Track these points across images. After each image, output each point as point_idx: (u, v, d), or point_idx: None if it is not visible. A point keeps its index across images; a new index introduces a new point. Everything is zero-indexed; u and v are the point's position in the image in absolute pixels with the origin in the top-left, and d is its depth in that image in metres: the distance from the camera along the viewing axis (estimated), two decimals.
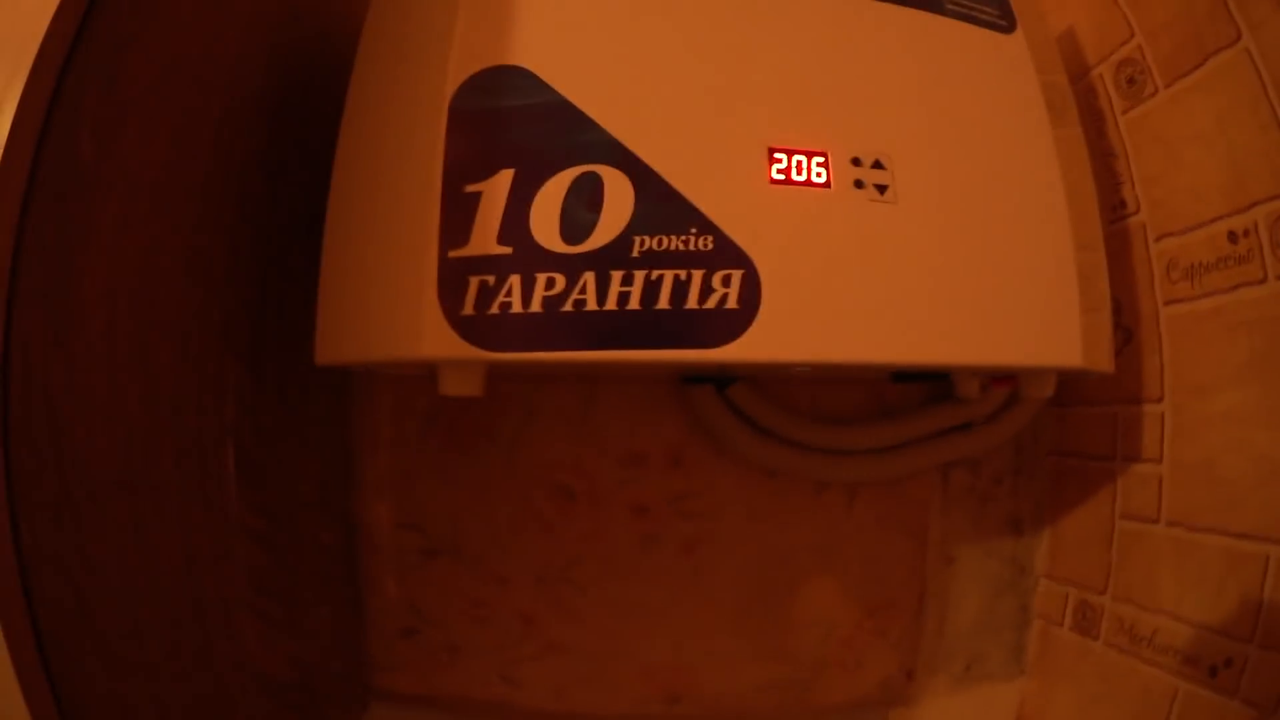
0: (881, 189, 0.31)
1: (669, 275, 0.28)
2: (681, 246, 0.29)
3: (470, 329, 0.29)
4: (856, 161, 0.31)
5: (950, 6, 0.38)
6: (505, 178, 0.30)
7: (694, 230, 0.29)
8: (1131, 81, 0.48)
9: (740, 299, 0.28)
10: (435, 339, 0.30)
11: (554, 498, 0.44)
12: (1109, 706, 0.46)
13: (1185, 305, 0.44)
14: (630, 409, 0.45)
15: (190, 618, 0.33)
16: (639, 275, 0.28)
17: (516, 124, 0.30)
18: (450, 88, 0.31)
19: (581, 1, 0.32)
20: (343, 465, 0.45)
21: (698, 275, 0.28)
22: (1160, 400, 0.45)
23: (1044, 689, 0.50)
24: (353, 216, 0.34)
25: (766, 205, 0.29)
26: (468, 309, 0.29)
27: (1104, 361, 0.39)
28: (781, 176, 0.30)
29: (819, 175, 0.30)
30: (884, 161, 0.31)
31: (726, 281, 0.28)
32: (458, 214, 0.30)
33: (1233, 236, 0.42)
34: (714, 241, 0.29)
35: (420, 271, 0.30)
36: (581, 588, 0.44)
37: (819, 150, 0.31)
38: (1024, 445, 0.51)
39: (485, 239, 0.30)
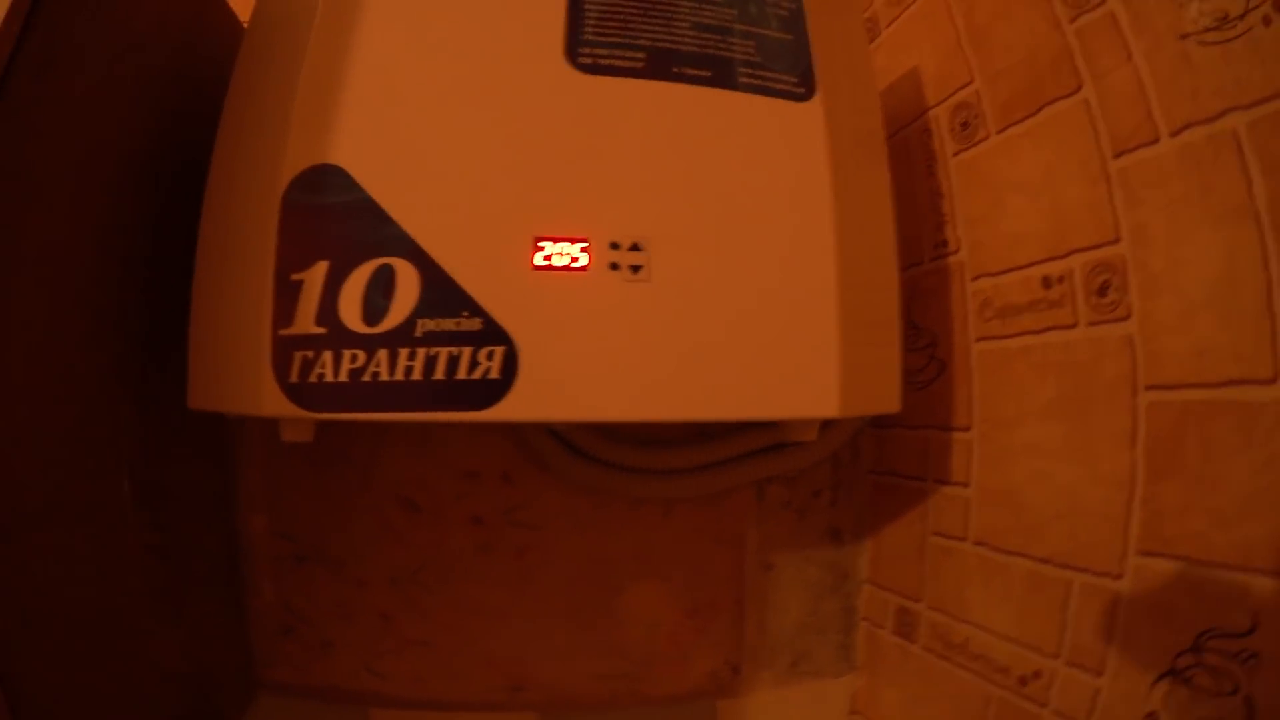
0: (636, 269, 0.38)
1: (444, 352, 0.36)
2: (454, 328, 0.36)
3: (296, 393, 0.38)
4: (615, 245, 0.38)
5: (745, 80, 0.44)
6: (321, 268, 0.38)
7: (465, 314, 0.36)
8: (965, 125, 0.53)
9: (501, 370, 0.36)
10: (271, 400, 0.38)
11: (402, 510, 0.53)
12: (930, 705, 0.53)
13: (996, 343, 0.50)
14: (464, 432, 0.53)
15: (102, 619, 0.42)
16: (421, 352, 0.36)
17: (332, 220, 0.38)
18: (283, 183, 0.40)
19: (389, 105, 0.39)
20: (224, 481, 0.54)
21: (467, 351, 0.36)
22: (969, 429, 0.51)
23: (873, 686, 0.58)
24: (211, 287, 0.42)
25: (529, 290, 0.36)
26: (294, 377, 0.38)
27: (887, 401, 0.45)
28: (544, 263, 0.37)
29: (578, 261, 0.38)
30: (642, 244, 0.38)
31: (490, 356, 0.36)
32: (286, 298, 0.38)
33: (1047, 281, 0.47)
34: (481, 323, 0.36)
35: (259, 344, 0.38)
36: (429, 589, 0.53)
37: (581, 237, 0.38)
38: (843, 462, 0.59)
39: (306, 320, 0.38)
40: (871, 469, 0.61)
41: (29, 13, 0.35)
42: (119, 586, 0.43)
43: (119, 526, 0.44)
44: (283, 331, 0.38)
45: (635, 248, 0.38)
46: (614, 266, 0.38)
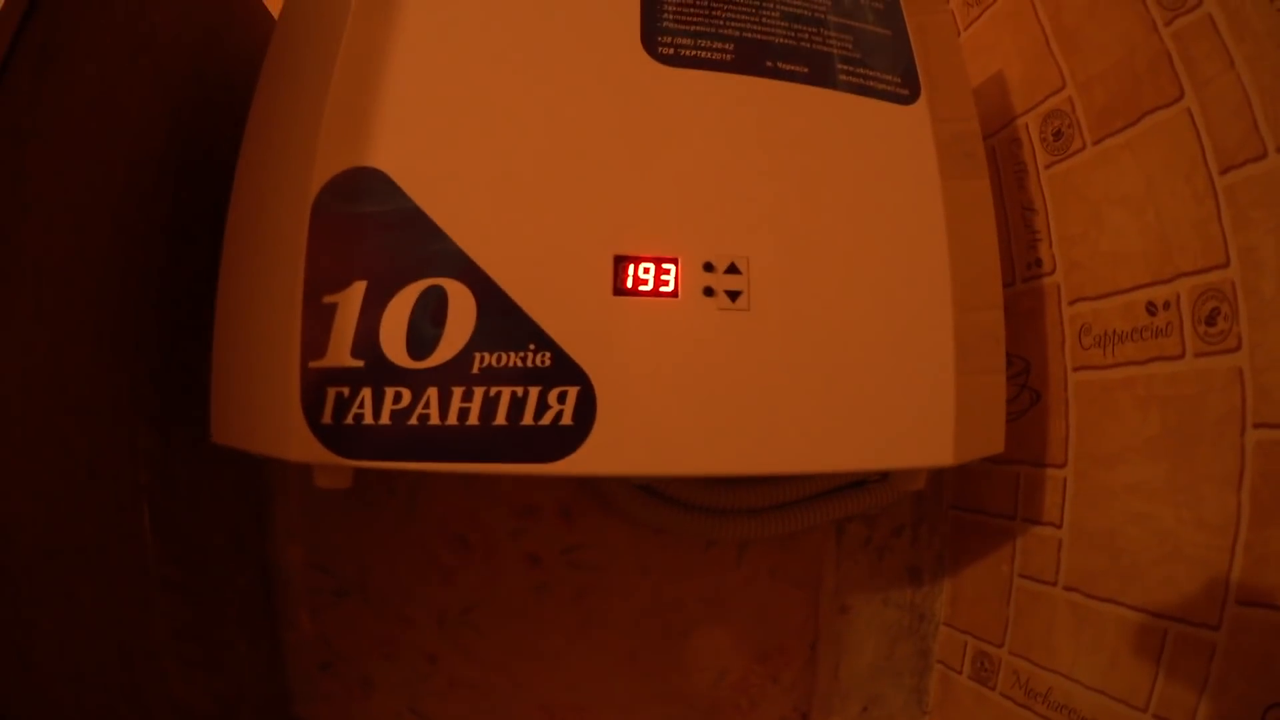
0: (734, 295, 0.29)
1: (506, 392, 0.28)
2: (519, 363, 0.28)
3: (329, 436, 0.29)
4: (709, 267, 0.29)
5: (845, 79, 0.35)
6: (359, 289, 0.29)
7: (532, 346, 0.28)
8: (1058, 135, 0.44)
9: (575, 415, 0.27)
10: (300, 444, 0.29)
11: (451, 546, 0.45)
12: None
13: (1095, 373, 0.42)
14: None
15: (117, 665, 0.34)
16: (478, 392, 0.28)
17: (370, 232, 0.30)
18: (314, 189, 0.30)
19: (439, 99, 0.31)
20: (255, 511, 0.46)
21: (534, 392, 0.27)
22: (1063, 466, 0.43)
23: None
24: (235, 308, 0.34)
25: (608, 318, 0.28)
26: (327, 418, 0.29)
27: (992, 441, 0.36)
28: (627, 288, 0.28)
29: (666, 285, 0.29)
30: (740, 265, 0.30)
31: (562, 398, 0.28)
32: (317, 325, 0.29)
33: (1151, 308, 0.39)
34: (551, 358, 0.28)
35: (287, 379, 0.30)
36: (481, 630, 0.45)
37: (669, 257, 0.29)
38: (925, 497, 0.50)
39: (340, 351, 0.29)
40: (954, 504, 0.52)
41: (28, 6, 0.27)
42: (135, 626, 0.35)
43: (135, 563, 0.36)
44: (313, 364, 0.29)
45: (733, 269, 0.29)
46: (708, 292, 0.29)
